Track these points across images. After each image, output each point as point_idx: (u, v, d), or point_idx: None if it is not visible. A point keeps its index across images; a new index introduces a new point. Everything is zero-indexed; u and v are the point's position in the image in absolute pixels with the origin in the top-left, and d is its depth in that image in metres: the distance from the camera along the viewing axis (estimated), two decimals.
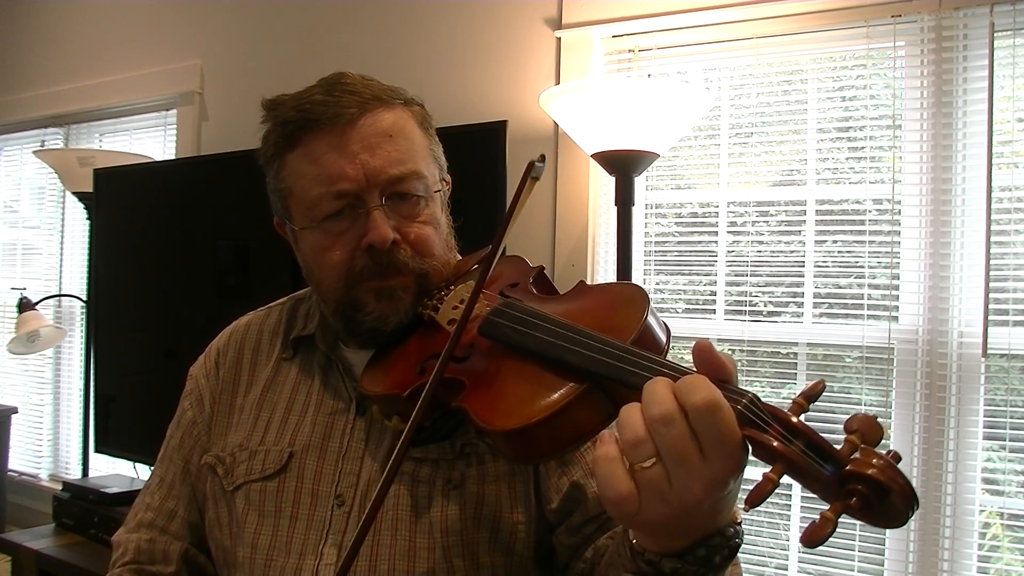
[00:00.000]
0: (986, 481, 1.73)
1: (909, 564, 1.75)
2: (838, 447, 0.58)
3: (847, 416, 0.59)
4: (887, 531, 1.78)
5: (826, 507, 0.57)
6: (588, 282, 0.89)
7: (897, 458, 0.57)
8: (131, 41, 3.10)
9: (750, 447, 0.60)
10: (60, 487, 2.74)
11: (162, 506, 1.06)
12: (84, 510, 2.56)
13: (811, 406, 0.61)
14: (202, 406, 1.09)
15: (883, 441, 0.59)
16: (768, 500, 0.58)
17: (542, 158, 0.82)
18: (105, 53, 3.18)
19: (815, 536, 0.56)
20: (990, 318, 1.69)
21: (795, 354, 1.92)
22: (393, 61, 2.43)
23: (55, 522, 2.66)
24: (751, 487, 0.57)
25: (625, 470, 0.61)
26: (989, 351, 1.69)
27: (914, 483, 1.88)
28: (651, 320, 0.73)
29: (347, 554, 0.75)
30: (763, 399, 0.61)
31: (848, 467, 0.56)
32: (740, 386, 0.63)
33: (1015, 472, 1.71)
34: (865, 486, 0.55)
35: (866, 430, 0.58)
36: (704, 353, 0.63)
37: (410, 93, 1.01)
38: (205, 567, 1.06)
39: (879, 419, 1.79)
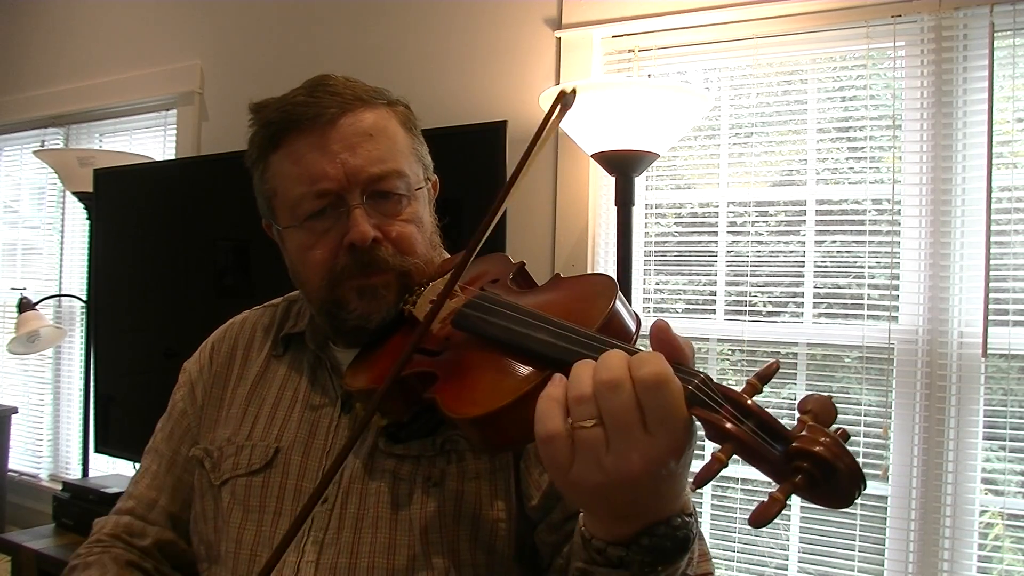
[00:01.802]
0: (986, 481, 1.73)
1: (909, 564, 1.75)
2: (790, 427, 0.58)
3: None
4: (886, 531, 1.78)
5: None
6: None
7: (845, 436, 0.57)
8: (131, 41, 3.10)
9: (698, 428, 0.60)
10: (60, 487, 2.74)
11: (143, 496, 1.08)
12: (84, 510, 2.56)
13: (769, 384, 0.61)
14: (194, 397, 1.10)
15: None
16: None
17: (574, 90, 0.84)
18: (105, 53, 3.18)
19: (762, 516, 0.56)
20: (990, 318, 1.69)
21: (795, 354, 1.92)
22: (393, 61, 2.43)
23: (55, 522, 2.66)
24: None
25: (562, 412, 0.61)
26: (989, 351, 1.69)
27: (914, 483, 1.87)
28: (619, 307, 0.74)
29: (290, 527, 0.75)
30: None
31: (794, 444, 0.56)
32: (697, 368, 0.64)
33: (1015, 472, 1.71)
34: (810, 463, 0.55)
35: (819, 410, 0.58)
36: (661, 333, 0.64)
37: (395, 94, 1.01)
38: (182, 555, 1.07)
39: (879, 419, 1.78)
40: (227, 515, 0.98)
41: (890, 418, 1.79)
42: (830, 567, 1.84)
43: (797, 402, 0.59)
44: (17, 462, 3.39)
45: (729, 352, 1.99)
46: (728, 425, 0.58)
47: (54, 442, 3.39)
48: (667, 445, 0.59)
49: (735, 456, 0.58)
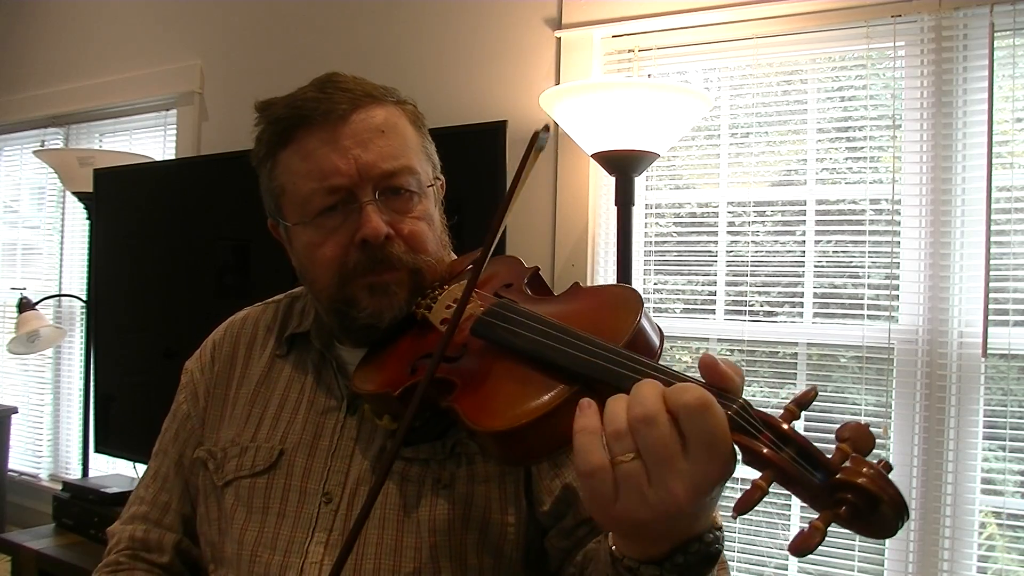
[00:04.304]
0: (986, 481, 1.73)
1: (909, 564, 1.75)
2: (829, 455, 0.58)
3: (846, 416, 0.59)
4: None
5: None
6: (588, 282, 0.89)
7: (888, 467, 0.57)
8: (131, 41, 3.10)
9: (740, 454, 0.60)
10: (60, 487, 2.74)
11: (156, 499, 1.07)
12: (84, 510, 2.56)
13: (807, 409, 0.61)
14: (196, 399, 1.09)
15: (882, 442, 0.59)
16: (767, 500, 0.57)
17: (546, 128, 0.80)
18: (105, 53, 3.18)
19: (804, 545, 0.55)
20: (990, 318, 1.69)
21: (795, 354, 1.92)
22: (393, 61, 2.43)
23: (55, 522, 2.66)
24: (739, 493, 0.57)
25: (602, 445, 0.60)
26: (989, 351, 1.69)
27: (914, 483, 1.86)
28: (644, 323, 0.73)
29: (338, 556, 0.74)
30: (762, 399, 0.61)
31: (838, 475, 0.56)
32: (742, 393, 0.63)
33: (1014, 472, 1.71)
34: (855, 495, 0.55)
35: (858, 438, 0.58)
36: (708, 368, 0.63)
37: (403, 93, 1.01)
38: (198, 559, 1.07)
39: (879, 419, 1.78)
40: (230, 516, 0.98)
41: (890, 418, 1.79)
42: (830, 567, 1.84)
43: (835, 430, 0.59)
44: (17, 462, 3.39)
45: (729, 352, 1.99)
46: (768, 452, 0.58)
47: (54, 442, 3.39)
48: (710, 472, 0.58)
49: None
